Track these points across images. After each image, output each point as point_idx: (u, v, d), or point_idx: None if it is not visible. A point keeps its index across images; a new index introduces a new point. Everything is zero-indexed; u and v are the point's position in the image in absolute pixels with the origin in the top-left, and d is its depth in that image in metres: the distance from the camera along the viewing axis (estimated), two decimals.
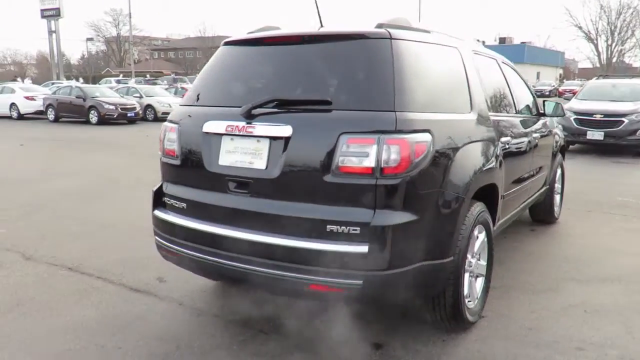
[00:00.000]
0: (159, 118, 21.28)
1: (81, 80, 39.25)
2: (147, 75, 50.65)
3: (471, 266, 3.16)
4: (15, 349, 3.02)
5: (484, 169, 3.19)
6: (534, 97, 5.13)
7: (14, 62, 79.81)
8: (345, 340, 2.96)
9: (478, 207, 3.11)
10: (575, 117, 11.18)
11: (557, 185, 5.71)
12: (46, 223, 5.66)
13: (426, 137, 2.66)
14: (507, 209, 3.97)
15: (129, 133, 16.89)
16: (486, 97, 3.59)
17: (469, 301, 3.16)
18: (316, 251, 2.55)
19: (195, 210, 3.01)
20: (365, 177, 2.53)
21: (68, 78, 40.46)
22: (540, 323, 3.32)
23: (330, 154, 2.57)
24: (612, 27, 60.20)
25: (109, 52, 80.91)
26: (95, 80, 46.05)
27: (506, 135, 3.74)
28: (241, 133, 2.81)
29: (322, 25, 3.28)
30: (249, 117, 2.79)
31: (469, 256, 3.08)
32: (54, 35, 43.21)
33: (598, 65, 61.21)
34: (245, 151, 2.82)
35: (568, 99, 16.83)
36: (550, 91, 41.40)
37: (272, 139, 2.73)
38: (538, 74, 61.58)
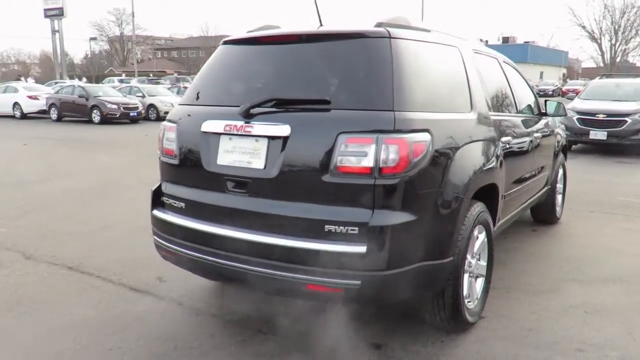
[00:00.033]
0: (162, 117, 21.22)
1: (84, 79, 39.29)
2: (150, 75, 50.70)
3: (471, 266, 3.14)
4: (15, 349, 3.02)
5: (484, 168, 3.18)
6: (535, 96, 5.11)
7: (18, 61, 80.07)
8: (344, 340, 2.95)
9: (478, 207, 3.10)
10: (578, 116, 11.14)
11: (559, 185, 5.68)
12: (47, 222, 5.67)
13: (425, 136, 2.64)
14: (508, 209, 3.95)
15: (132, 132, 16.90)
16: (487, 97, 3.57)
17: (468, 302, 3.14)
18: (314, 251, 2.53)
19: (194, 210, 3.00)
20: (363, 177, 2.52)
21: (71, 77, 40.52)
22: (540, 324, 3.30)
23: (329, 154, 2.56)
24: (616, 27, 60.01)
25: (112, 52, 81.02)
26: (98, 79, 46.11)
27: (507, 135, 3.72)
28: (239, 132, 2.80)
29: (321, 25, 3.27)
30: (248, 116, 2.78)
31: (468, 256, 3.07)
32: (57, 34, 43.25)
33: (602, 64, 61.00)
34: (243, 151, 2.81)
35: (571, 99, 16.78)
36: (553, 91, 41.32)
37: (271, 138, 2.72)
38: (541, 73, 61.45)
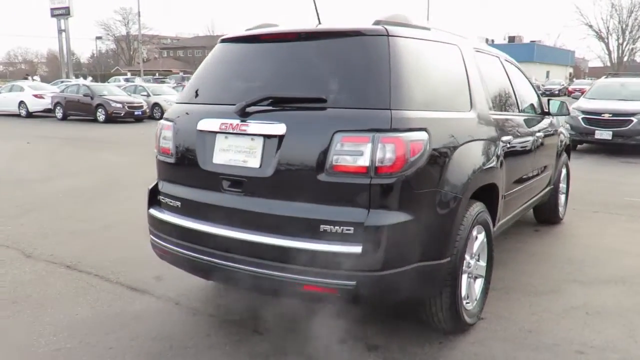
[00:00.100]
0: None
1: (89, 78, 39.41)
2: (156, 74, 50.85)
3: (470, 267, 3.10)
4: (9, 348, 3.01)
5: (484, 168, 3.14)
6: (538, 96, 5.06)
7: (25, 60, 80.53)
8: (341, 341, 2.93)
9: (477, 207, 3.06)
10: (584, 116, 11.06)
11: (562, 185, 5.63)
12: (48, 221, 5.67)
13: (422, 135, 2.61)
14: (509, 209, 3.90)
15: (136, 131, 16.93)
16: (487, 96, 3.53)
17: (467, 303, 3.10)
18: (309, 251, 2.51)
19: (190, 209, 2.98)
20: (359, 176, 2.48)
21: (76, 76, 40.67)
22: (540, 325, 3.26)
23: (324, 153, 2.53)
24: (623, 26, 59.64)
25: (119, 51, 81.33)
26: (104, 78, 46.25)
27: (508, 134, 3.68)
28: (235, 131, 2.77)
29: (319, 23, 3.24)
30: (243, 115, 2.75)
31: (467, 257, 3.03)
32: (63, 34, 43.52)
33: (609, 64, 60.64)
34: (239, 149, 2.79)
35: (577, 98, 16.65)
36: (559, 90, 41.08)
37: (266, 137, 2.70)
38: (547, 73, 61.18)
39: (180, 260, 3.03)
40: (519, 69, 4.72)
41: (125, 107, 20.09)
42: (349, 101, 2.61)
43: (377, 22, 2.86)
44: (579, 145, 11.65)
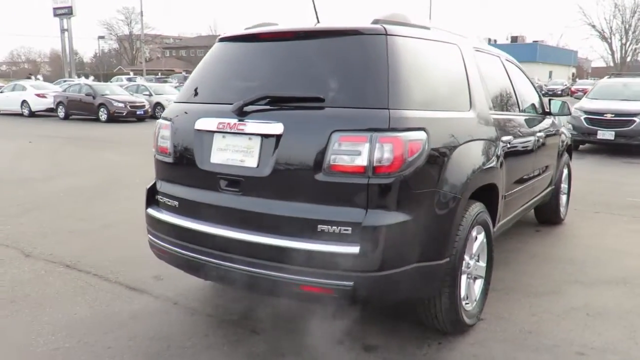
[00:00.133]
0: None
1: (92, 77, 39.44)
2: (159, 74, 50.90)
3: (469, 268, 3.09)
4: (8, 347, 3.00)
5: (483, 168, 3.12)
6: (539, 95, 5.04)
7: (28, 60, 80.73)
8: (339, 342, 2.91)
9: (476, 208, 3.04)
10: (586, 116, 11.03)
11: (564, 186, 5.60)
12: (48, 220, 5.67)
13: (421, 135, 2.59)
14: (509, 209, 3.88)
15: (138, 131, 16.94)
16: (487, 95, 3.51)
17: (466, 303, 3.09)
18: (307, 251, 2.49)
19: (187, 208, 2.97)
20: (357, 176, 2.47)
21: (78, 76, 40.72)
22: (540, 326, 3.24)
23: (322, 153, 2.52)
24: (627, 26, 59.58)
25: (121, 50, 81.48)
26: (107, 78, 46.31)
27: (508, 134, 3.66)
28: (232, 130, 2.76)
29: (318, 22, 3.22)
30: (241, 114, 2.74)
31: (466, 257, 3.01)
32: (66, 33, 43.56)
33: (612, 64, 60.51)
34: (236, 149, 2.78)
35: (579, 98, 16.60)
36: (562, 90, 41.01)
37: (264, 136, 2.68)
38: (550, 73, 61.04)
39: (178, 259, 3.02)
40: (520, 68, 4.70)
41: (128, 106, 20.12)
42: (347, 100, 2.59)
43: (375, 21, 2.85)
44: (581, 146, 11.62)
